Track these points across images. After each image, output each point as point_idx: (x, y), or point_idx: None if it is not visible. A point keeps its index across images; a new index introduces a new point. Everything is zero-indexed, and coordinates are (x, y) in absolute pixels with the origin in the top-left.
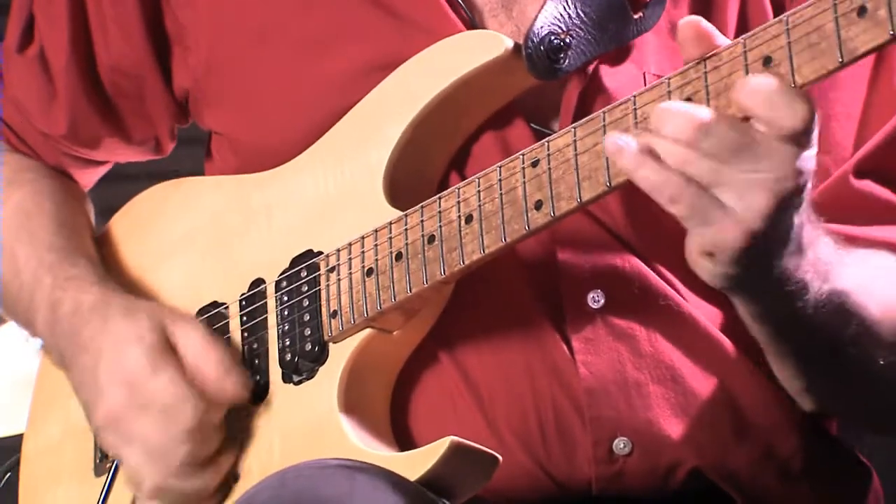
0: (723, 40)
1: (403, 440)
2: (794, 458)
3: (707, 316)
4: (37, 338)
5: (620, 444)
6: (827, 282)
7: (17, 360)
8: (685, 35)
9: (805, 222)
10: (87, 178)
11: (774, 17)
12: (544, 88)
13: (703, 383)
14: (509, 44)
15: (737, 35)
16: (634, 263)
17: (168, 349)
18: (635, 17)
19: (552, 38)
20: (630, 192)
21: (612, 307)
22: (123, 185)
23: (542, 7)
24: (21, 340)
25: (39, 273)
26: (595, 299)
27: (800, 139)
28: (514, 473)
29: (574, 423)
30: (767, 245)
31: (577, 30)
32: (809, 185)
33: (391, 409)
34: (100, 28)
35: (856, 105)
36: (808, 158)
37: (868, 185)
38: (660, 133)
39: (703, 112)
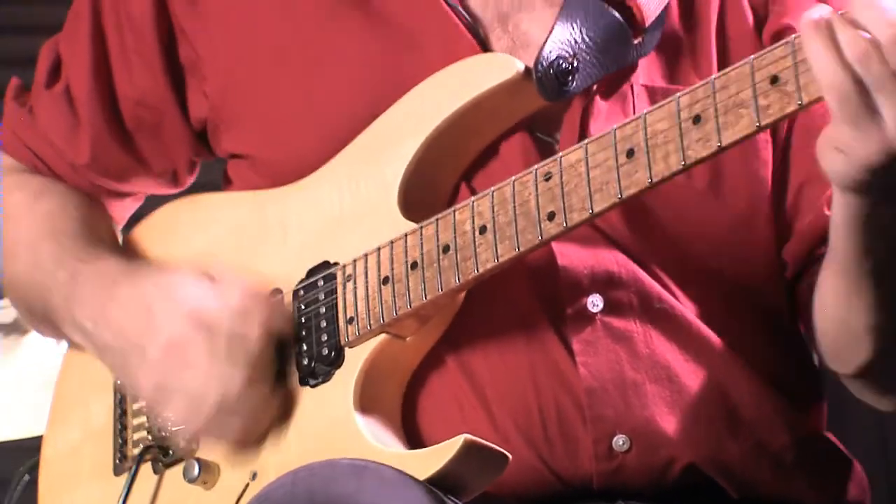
0: None
1: (413, 440)
2: (786, 451)
3: (700, 315)
4: (48, 322)
5: (620, 442)
6: None
7: (45, 363)
8: None
9: None
10: (119, 213)
11: (754, 25)
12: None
13: (696, 381)
14: (521, 66)
15: (718, 45)
16: (631, 268)
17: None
18: (635, 42)
19: (561, 62)
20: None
21: (610, 310)
22: None
23: (550, 32)
24: (48, 343)
25: (60, 256)
26: (594, 303)
27: None
28: (520, 469)
29: (575, 422)
30: None
31: (584, 54)
32: None
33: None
34: (121, 60)
35: None
36: None
37: None
38: (853, 18)
39: None
